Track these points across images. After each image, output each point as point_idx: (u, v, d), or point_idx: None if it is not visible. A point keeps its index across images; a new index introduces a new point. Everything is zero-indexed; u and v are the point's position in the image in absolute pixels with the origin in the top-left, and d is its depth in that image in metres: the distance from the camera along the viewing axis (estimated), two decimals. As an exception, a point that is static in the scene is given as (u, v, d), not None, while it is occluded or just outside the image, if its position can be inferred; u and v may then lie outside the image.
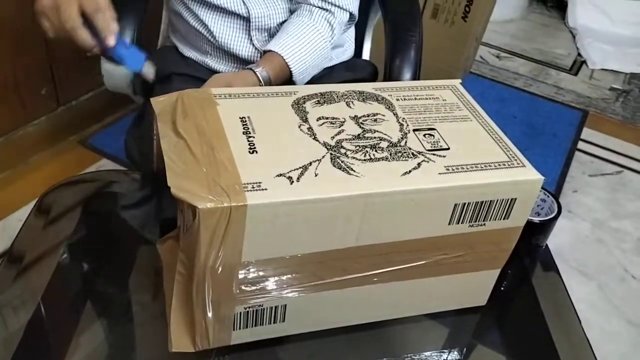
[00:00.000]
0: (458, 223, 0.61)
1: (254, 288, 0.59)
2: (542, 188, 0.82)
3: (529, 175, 0.61)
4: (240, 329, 0.61)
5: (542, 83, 2.43)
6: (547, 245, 0.83)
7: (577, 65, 2.63)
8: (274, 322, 0.63)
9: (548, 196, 0.81)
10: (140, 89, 1.12)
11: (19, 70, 1.50)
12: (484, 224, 0.62)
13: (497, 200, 0.61)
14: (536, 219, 0.78)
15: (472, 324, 0.74)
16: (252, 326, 0.62)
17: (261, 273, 0.58)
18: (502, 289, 0.76)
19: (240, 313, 0.60)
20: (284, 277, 0.59)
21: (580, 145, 2.06)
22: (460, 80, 0.74)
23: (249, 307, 0.60)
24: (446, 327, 0.72)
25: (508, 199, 0.61)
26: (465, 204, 0.60)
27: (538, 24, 3.00)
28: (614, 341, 1.38)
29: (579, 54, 2.71)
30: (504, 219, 0.63)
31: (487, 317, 0.74)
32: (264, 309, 0.61)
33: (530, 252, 0.81)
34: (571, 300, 0.76)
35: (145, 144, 1.04)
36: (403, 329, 0.70)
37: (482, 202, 0.60)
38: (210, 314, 0.59)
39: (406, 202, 0.58)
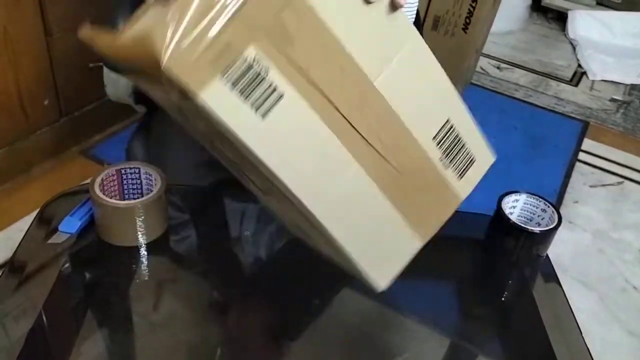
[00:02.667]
0: (437, 145, 0.63)
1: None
2: (542, 198, 0.82)
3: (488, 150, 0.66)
4: (227, 81, 0.50)
5: (543, 94, 2.44)
6: (547, 255, 0.83)
7: (578, 76, 2.64)
8: (264, 103, 0.53)
9: (548, 206, 0.81)
10: (142, 99, 1.13)
11: (22, 81, 1.51)
12: (449, 166, 0.64)
13: (467, 148, 0.64)
14: (537, 229, 0.78)
15: (473, 334, 0.74)
16: (240, 89, 0.51)
17: None
18: (502, 299, 0.76)
19: (237, 66, 0.50)
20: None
21: (581, 156, 2.06)
22: None
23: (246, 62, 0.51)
24: (447, 337, 0.72)
25: (472, 155, 0.64)
26: (452, 127, 0.62)
27: (538, 36, 3.01)
28: (615, 352, 1.37)
29: (579, 65, 2.72)
30: (459, 175, 0.65)
31: (487, 327, 0.74)
32: (262, 78, 0.51)
33: (531, 262, 0.81)
34: (572, 310, 0.76)
35: (149, 151, 1.05)
36: (401, 339, 0.70)
37: (460, 139, 0.64)
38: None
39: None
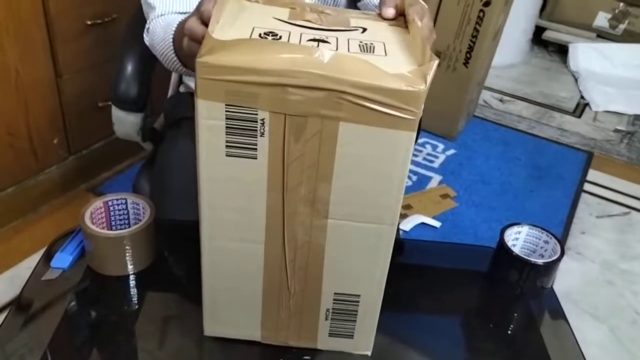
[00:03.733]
0: (333, 300, 0.65)
1: None
2: (544, 230, 0.83)
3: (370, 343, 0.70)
4: (226, 112, 0.55)
5: (546, 125, 2.46)
6: (552, 287, 0.83)
7: (581, 107, 2.66)
8: (238, 149, 0.57)
9: (551, 238, 0.81)
10: (149, 136, 1.15)
11: (32, 121, 1.54)
12: (329, 318, 0.67)
13: (355, 324, 0.67)
14: (540, 261, 0.78)
15: (479, 368, 0.73)
16: (231, 125, 0.55)
17: None
18: (508, 332, 0.75)
19: (244, 111, 0.55)
20: None
21: (587, 186, 2.06)
22: None
23: None
24: (452, 372, 0.72)
25: (354, 332, 0.68)
26: (357, 302, 0.65)
27: (540, 68, 3.05)
28: (628, 386, 1.35)
29: (582, 97, 2.75)
30: (331, 333, 0.68)
31: (493, 361, 0.73)
32: (254, 136, 0.56)
33: (535, 294, 0.81)
34: (577, 342, 0.76)
35: (154, 186, 1.06)
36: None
37: (356, 314, 0.67)
38: None
39: None
